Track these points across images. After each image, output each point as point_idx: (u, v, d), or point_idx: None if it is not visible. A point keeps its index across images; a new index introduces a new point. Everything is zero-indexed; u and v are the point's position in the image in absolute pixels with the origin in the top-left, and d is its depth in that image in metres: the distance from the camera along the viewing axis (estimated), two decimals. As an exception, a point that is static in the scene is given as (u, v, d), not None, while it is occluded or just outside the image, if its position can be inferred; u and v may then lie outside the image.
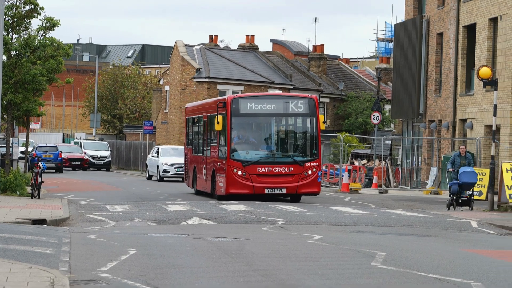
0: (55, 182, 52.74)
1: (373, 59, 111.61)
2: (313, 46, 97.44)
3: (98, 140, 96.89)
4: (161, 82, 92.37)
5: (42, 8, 44.98)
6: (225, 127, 39.40)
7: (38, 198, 36.67)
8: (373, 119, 60.55)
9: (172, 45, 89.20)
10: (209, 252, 20.03)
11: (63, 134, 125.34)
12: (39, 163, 37.60)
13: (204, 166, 43.79)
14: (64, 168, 79.98)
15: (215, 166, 40.98)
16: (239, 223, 28.44)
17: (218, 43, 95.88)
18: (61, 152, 79.49)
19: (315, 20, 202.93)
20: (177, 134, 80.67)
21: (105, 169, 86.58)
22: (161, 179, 61.79)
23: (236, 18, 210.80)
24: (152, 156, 65.14)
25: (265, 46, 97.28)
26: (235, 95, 45.78)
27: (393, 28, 73.49)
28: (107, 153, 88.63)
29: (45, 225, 26.53)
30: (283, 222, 28.99)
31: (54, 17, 45.30)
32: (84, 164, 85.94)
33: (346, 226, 28.04)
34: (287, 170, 39.15)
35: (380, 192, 51.12)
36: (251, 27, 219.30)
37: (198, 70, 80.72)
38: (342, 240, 23.33)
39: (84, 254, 19.14)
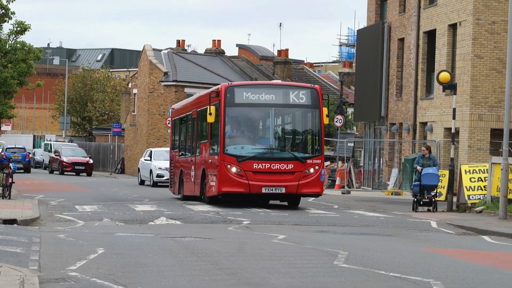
0: (25, 183, 52.48)
1: (336, 64, 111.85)
2: (278, 50, 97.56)
3: (68, 142, 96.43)
4: (130, 85, 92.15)
5: (13, 13, 45.18)
6: (218, 119, 34.24)
7: (9, 198, 36.36)
8: (336, 122, 60.62)
9: (141, 49, 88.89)
10: (176, 251, 20.00)
11: (34, 136, 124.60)
12: (10, 164, 37.40)
13: (193, 167, 38.60)
14: (66, 173, 75.67)
15: (205, 165, 36.10)
16: (205, 223, 28.38)
17: (186, 47, 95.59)
18: (29, 153, 77.91)
19: (280, 26, 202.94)
20: (145, 136, 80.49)
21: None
22: (155, 184, 54.67)
23: (203, 23, 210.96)
24: (145, 160, 57.96)
25: (231, 50, 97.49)
26: (229, 83, 37.84)
27: (355, 34, 73.61)
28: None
29: (15, 224, 26.40)
30: (248, 222, 28.97)
31: (25, 22, 45.59)
32: (88, 169, 78.75)
33: (310, 226, 28.07)
34: (287, 167, 34.04)
35: (342, 193, 51.14)
36: (218, 32, 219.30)
37: (165, 73, 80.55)
38: (305, 239, 23.36)
39: (54, 253, 19.05)
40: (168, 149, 61.50)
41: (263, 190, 33.77)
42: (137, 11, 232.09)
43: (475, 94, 44.87)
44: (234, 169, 33.50)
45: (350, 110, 77.59)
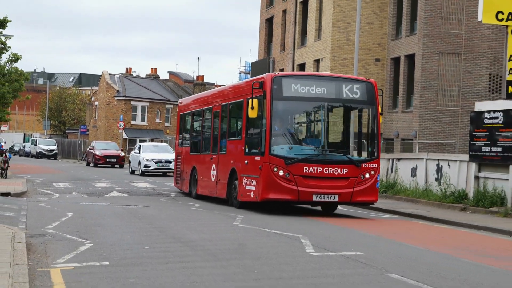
0: (18, 167, 51.41)
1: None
2: (197, 76, 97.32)
3: (48, 138, 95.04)
4: (93, 99, 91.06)
5: (9, 47, 47.73)
6: (262, 114, 21.11)
7: (5, 178, 35.73)
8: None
9: (100, 74, 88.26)
10: (123, 215, 19.76)
11: (24, 134, 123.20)
12: (6, 153, 37.23)
13: (214, 166, 24.99)
14: (99, 165, 58.52)
15: (237, 166, 22.70)
16: (144, 196, 28.04)
17: (132, 73, 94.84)
18: (3, 144, 68.54)
19: (198, 58, 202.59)
20: (103, 134, 79.93)
21: (53, 158, 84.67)
22: (143, 174, 46.06)
23: (144, 56, 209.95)
24: (134, 153, 49.32)
25: (164, 75, 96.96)
26: (276, 72, 25.06)
27: (250, 65, 73.62)
28: (54, 147, 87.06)
29: (9, 196, 25.88)
30: (174, 195, 28.76)
31: (17, 53, 48.42)
32: (120, 162, 59.18)
33: (218, 198, 27.97)
34: (341, 171, 20.95)
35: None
36: (155, 62, 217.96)
37: (118, 91, 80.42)
38: (214, 207, 23.27)
39: (37, 216, 18.71)
40: (155, 143, 56.93)
41: (314, 198, 20.77)
42: (98, 46, 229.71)
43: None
44: (281, 173, 20.48)
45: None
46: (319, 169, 20.60)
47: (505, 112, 22.63)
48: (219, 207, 23.00)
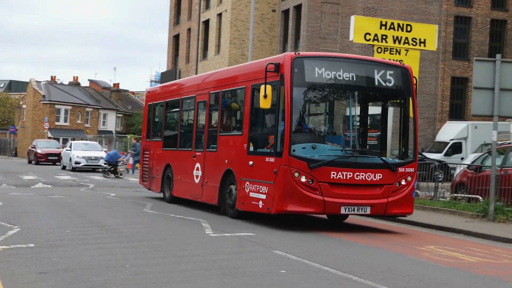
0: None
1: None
2: (113, 83, 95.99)
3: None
4: (21, 103, 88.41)
5: None
6: (278, 105, 14.19)
7: None
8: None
9: (28, 81, 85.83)
10: (47, 203, 19.27)
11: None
12: None
13: (199, 165, 18.09)
14: (41, 163, 52.23)
15: (234, 167, 15.91)
16: (67, 186, 27.37)
17: (56, 80, 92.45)
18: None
19: (115, 69, 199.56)
20: (30, 134, 77.61)
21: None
22: (73, 169, 42.24)
23: (68, 65, 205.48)
24: (66, 150, 45.37)
25: (85, 83, 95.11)
26: (297, 52, 14.96)
27: (160, 74, 72.94)
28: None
29: None
30: (93, 186, 28.21)
31: None
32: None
33: (130, 188, 27.62)
34: (374, 177, 14.30)
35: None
36: (77, 71, 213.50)
37: (43, 96, 78.32)
38: (127, 196, 22.99)
39: (-31, 205, 18.10)
40: (86, 141, 51.09)
41: (342, 211, 14.15)
42: (27, 57, 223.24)
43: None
44: (304, 179, 13.78)
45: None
46: (349, 174, 13.95)
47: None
48: (127, 196, 22.73)
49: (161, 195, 21.90)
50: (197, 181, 18.22)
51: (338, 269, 9.44)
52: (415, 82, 15.17)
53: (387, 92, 14.98)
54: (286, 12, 45.03)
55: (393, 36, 21.37)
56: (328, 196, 13.85)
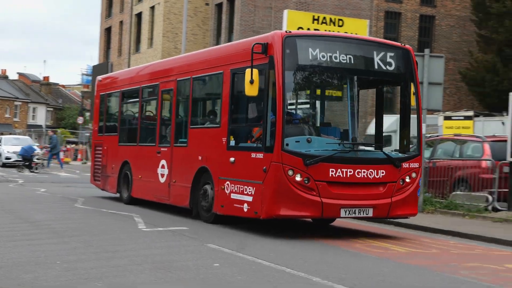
0: None
1: (80, 86, 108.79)
2: (43, 77, 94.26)
3: None
4: None
5: None
6: (267, 92, 11.94)
7: None
8: (79, 120, 59.25)
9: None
10: (-26, 200, 18.81)
11: None
12: None
13: (165, 163, 15.90)
14: None
15: (210, 163, 13.82)
16: (-5, 182, 26.83)
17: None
18: None
19: (44, 62, 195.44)
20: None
21: None
22: (4, 165, 40.79)
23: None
24: None
25: (13, 76, 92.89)
26: (287, 31, 12.20)
27: (91, 68, 71.86)
28: None
29: None
30: (22, 181, 27.57)
31: None
32: None
33: (60, 183, 27.09)
34: (377, 175, 12.27)
35: (83, 163, 49.92)
36: (5, 63, 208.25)
37: (-30, 89, 76.11)
38: (58, 191, 22.55)
39: None
40: (17, 136, 48.95)
41: (342, 214, 12.23)
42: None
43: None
44: (299, 178, 11.82)
45: (87, 113, 75.76)
46: (350, 171, 12.04)
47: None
48: (58, 191, 22.34)
49: (117, 195, 19.43)
50: (162, 180, 16.02)
51: (272, 262, 9.49)
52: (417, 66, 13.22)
53: (388, 76, 12.92)
54: (219, 6, 44.98)
55: (325, 31, 21.59)
56: (326, 197, 11.90)
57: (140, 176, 17.49)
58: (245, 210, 12.46)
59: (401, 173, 12.61)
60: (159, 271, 8.64)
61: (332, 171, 11.94)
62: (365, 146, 12.79)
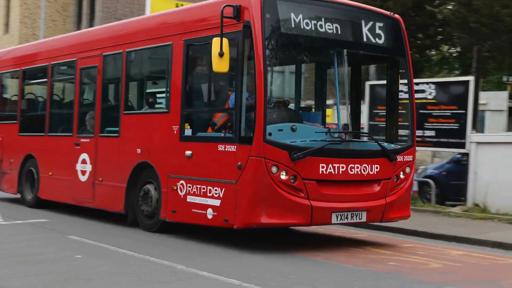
0: None
1: None
2: None
3: None
4: None
5: None
6: (241, 67, 9.15)
7: None
8: None
9: None
10: None
11: None
12: None
13: (87, 157, 12.57)
14: None
15: (154, 158, 10.77)
16: None
17: None
18: None
19: None
20: None
21: None
22: None
23: None
24: None
25: None
26: None
27: None
28: None
29: None
30: None
31: None
32: None
33: None
34: (371, 170, 9.68)
35: None
36: None
37: None
38: None
39: None
40: None
41: (334, 219, 9.48)
42: None
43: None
44: (284, 176, 9.03)
45: None
46: (342, 167, 9.57)
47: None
48: None
49: (17, 196, 15.81)
50: (83, 178, 12.71)
51: (136, 251, 9.41)
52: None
53: (377, 51, 10.36)
54: (80, -9, 43.84)
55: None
56: (316, 199, 9.26)
57: (50, 173, 13.93)
58: (210, 217, 9.57)
59: (395, 168, 10.05)
60: (19, 264, 8.37)
61: (323, 167, 9.30)
62: (360, 135, 10.54)
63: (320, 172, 9.31)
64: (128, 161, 11.45)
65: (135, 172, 11.27)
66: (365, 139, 10.81)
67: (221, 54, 9.07)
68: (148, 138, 11.08)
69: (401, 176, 10.22)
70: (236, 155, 9.21)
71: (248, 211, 9.10)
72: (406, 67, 10.58)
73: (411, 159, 10.41)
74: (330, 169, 9.39)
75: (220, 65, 9.11)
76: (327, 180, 9.39)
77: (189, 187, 10.00)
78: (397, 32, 10.53)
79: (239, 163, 9.13)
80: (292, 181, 9.12)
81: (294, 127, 9.37)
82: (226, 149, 9.41)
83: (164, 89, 11.35)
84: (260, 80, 8.95)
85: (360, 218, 9.73)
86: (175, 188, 10.26)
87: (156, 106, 11.72)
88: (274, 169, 8.99)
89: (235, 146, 9.24)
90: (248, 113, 9.18)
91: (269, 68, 9.15)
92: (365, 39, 10.17)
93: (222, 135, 9.58)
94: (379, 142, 10.15)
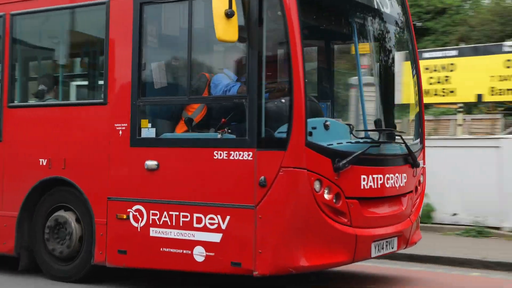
0: None
1: None
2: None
3: None
4: None
5: None
6: (258, 33, 5.63)
7: None
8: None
9: None
10: None
11: None
12: None
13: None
14: None
15: (80, 174, 6.92)
16: None
17: None
18: None
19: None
20: None
21: None
22: None
23: None
24: None
25: None
26: None
27: None
28: None
29: None
30: None
31: None
32: None
33: None
34: (401, 182, 6.67)
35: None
36: None
37: None
38: None
39: None
40: None
41: (373, 252, 6.32)
42: None
43: None
44: (327, 194, 5.85)
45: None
46: (380, 178, 6.60)
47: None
48: None
49: None
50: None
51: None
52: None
53: (393, 23, 7.58)
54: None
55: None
56: (359, 225, 6.35)
57: None
58: (200, 259, 6.28)
59: (416, 177, 7.35)
60: None
61: (364, 180, 6.40)
62: (394, 135, 7.23)
63: (362, 186, 6.36)
64: (21, 178, 7.55)
65: (35, 194, 7.48)
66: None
67: (230, 14, 5.71)
68: (62, 143, 7.29)
69: (418, 187, 7.49)
70: (254, 165, 5.98)
71: (281, 250, 5.92)
72: (412, 47, 7.69)
73: (423, 165, 7.59)
74: (370, 181, 6.44)
75: (228, 31, 5.71)
76: (367, 197, 6.43)
77: (154, 214, 6.53)
78: (402, 7, 7.68)
79: (262, 177, 5.92)
80: (335, 201, 6.12)
81: (328, 123, 6.28)
82: (232, 157, 6.09)
83: (81, 72, 7.88)
84: (296, 55, 5.78)
85: (392, 247, 6.94)
86: (124, 217, 6.74)
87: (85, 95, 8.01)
88: (317, 185, 5.96)
89: (251, 153, 5.98)
90: (272, 104, 6.13)
91: (299, 43, 5.84)
92: (383, 9, 7.33)
93: (219, 136, 6.21)
94: (407, 144, 7.18)
